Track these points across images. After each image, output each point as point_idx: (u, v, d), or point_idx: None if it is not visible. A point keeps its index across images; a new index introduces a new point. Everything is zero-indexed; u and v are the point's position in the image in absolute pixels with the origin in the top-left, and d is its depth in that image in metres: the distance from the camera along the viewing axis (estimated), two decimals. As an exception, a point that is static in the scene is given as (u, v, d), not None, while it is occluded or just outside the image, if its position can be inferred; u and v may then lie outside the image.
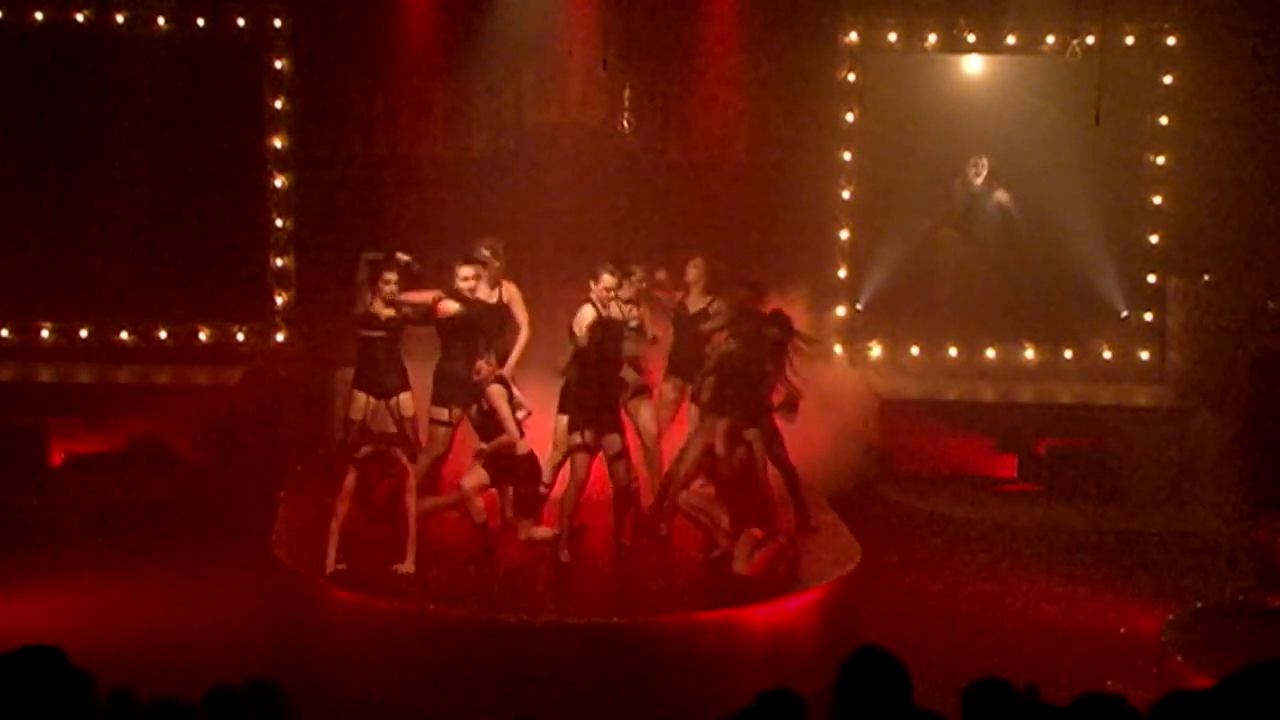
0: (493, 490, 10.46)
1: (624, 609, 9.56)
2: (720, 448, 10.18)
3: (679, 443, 10.94)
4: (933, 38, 14.29)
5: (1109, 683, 8.84)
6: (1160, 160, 14.28)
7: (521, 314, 10.91)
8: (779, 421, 10.62)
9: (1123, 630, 10.55)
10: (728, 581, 9.75)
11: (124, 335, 14.20)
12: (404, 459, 9.98)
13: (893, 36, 14.29)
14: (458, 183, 13.99)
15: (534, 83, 14.27)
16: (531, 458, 10.47)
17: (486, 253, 10.96)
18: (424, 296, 10.93)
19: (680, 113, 14.39)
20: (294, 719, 5.67)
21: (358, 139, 14.28)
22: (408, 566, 9.75)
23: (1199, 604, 10.40)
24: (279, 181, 14.15)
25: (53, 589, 10.72)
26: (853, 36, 14.26)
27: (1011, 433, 13.69)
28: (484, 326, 10.72)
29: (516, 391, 10.52)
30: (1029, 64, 14.33)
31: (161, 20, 13.98)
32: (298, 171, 14.17)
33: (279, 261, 14.20)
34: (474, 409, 10.48)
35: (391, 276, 10.89)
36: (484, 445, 10.31)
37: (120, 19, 13.95)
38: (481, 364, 10.30)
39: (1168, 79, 14.22)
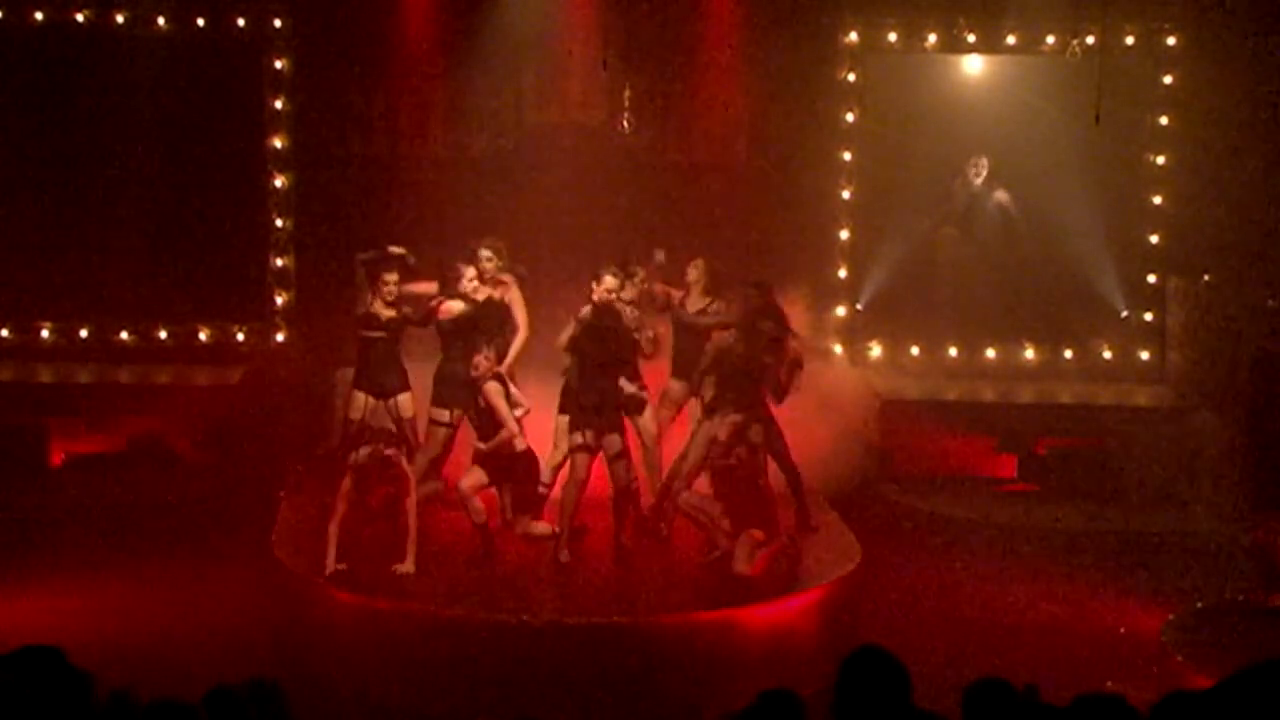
0: (492, 490, 10.46)
1: (624, 609, 9.56)
2: (723, 436, 10.18)
3: (679, 443, 10.94)
4: (933, 38, 14.29)
5: (1109, 683, 8.83)
6: (1160, 160, 14.28)
7: (521, 314, 10.92)
8: (780, 407, 10.60)
9: (1123, 630, 10.55)
10: (728, 581, 9.75)
11: (124, 335, 14.20)
12: (404, 463, 9.97)
13: (893, 36, 14.29)
14: (458, 183, 13.98)
15: (534, 83, 14.27)
16: (530, 455, 10.48)
17: (487, 253, 10.97)
18: (425, 288, 10.95)
19: (680, 113, 14.40)
20: (294, 719, 5.67)
21: (358, 139, 14.28)
22: (408, 566, 9.75)
23: (1199, 604, 10.40)
24: (279, 181, 14.15)
25: (53, 589, 10.71)
26: (853, 36, 14.26)
27: (1011, 433, 13.69)
28: (485, 326, 10.73)
29: (514, 389, 10.52)
30: (1029, 64, 14.32)
31: (161, 20, 13.97)
32: (298, 171, 14.17)
33: (279, 261, 14.20)
34: (473, 409, 10.48)
35: (391, 277, 10.90)
36: (482, 445, 10.30)
37: (120, 19, 13.95)
38: (480, 359, 10.28)
39: (1168, 79, 14.21)
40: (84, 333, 14.17)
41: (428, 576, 9.74)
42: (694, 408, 11.09)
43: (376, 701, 9.26)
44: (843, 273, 14.42)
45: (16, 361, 13.94)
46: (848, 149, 14.32)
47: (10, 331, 14.16)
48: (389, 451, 9.87)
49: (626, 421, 10.67)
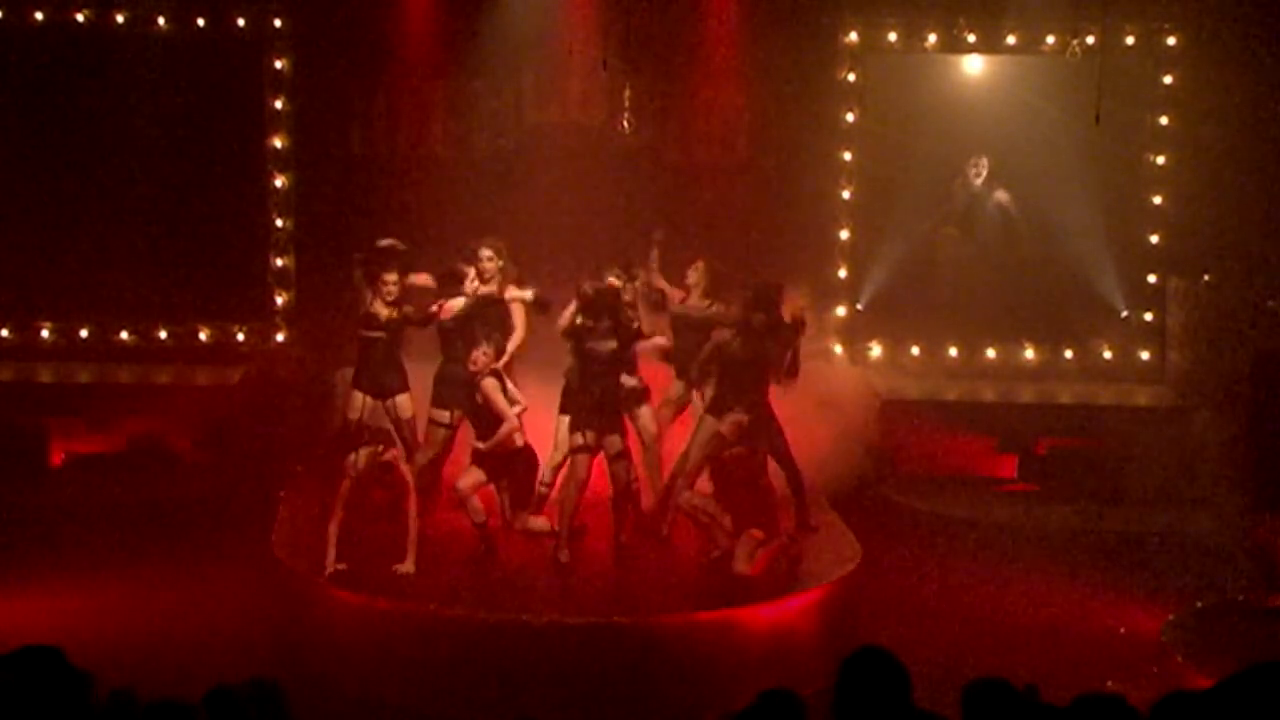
0: (491, 490, 10.45)
1: (624, 609, 9.56)
2: (728, 435, 10.17)
3: (679, 443, 10.94)
4: (933, 38, 14.29)
5: (1109, 683, 8.83)
6: (1160, 160, 14.28)
7: (519, 316, 10.91)
8: (780, 407, 10.61)
9: (1123, 630, 10.55)
10: (728, 581, 9.75)
11: (124, 335, 14.20)
12: (403, 466, 9.96)
13: (893, 36, 14.29)
14: (458, 183, 13.98)
15: (534, 83, 14.27)
16: (528, 450, 10.47)
17: (488, 252, 10.97)
18: (423, 280, 10.97)
19: (680, 113, 14.39)
20: (294, 719, 5.67)
21: (358, 139, 14.29)
22: (408, 566, 9.75)
23: (1199, 604, 10.40)
24: (279, 181, 14.15)
25: (53, 589, 10.71)
26: (853, 36, 14.26)
27: (1011, 433, 13.69)
28: (485, 322, 10.72)
29: (511, 386, 10.50)
30: (1029, 64, 14.32)
31: (161, 20, 13.98)
32: (298, 171, 14.17)
33: (279, 261, 14.21)
34: (471, 407, 10.47)
35: (391, 277, 10.90)
36: (480, 444, 10.28)
37: (120, 19, 13.95)
38: (478, 354, 10.25)
39: (1168, 79, 14.21)
40: (84, 333, 14.18)
41: (428, 576, 9.74)
42: (696, 406, 11.09)
43: (376, 701, 9.26)
44: (843, 273, 14.43)
45: (16, 361, 13.94)
46: (848, 149, 14.32)
47: (10, 331, 14.16)
48: (388, 456, 9.87)
49: (627, 421, 10.68)
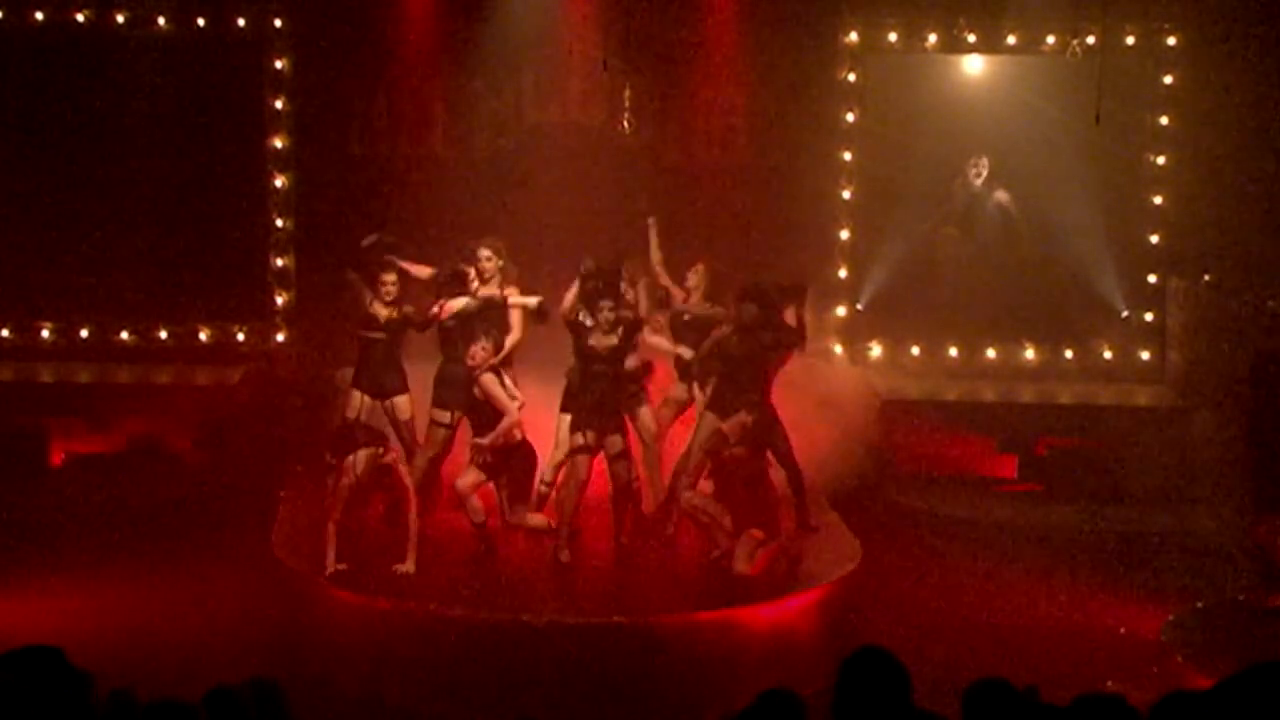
0: (491, 490, 10.45)
1: (624, 609, 9.56)
2: (727, 430, 10.17)
3: (680, 443, 10.94)
4: (933, 38, 14.29)
5: (1109, 683, 8.84)
6: (1160, 160, 14.27)
7: (517, 317, 10.90)
8: (780, 407, 10.61)
9: (1123, 630, 10.55)
10: (728, 581, 9.75)
11: (124, 335, 14.20)
12: (401, 470, 9.95)
13: (893, 36, 14.29)
14: (458, 183, 13.98)
15: (534, 83, 14.26)
16: (527, 446, 10.46)
17: (486, 252, 10.97)
18: (422, 271, 10.98)
19: (680, 113, 14.39)
20: (294, 719, 5.67)
21: (358, 139, 14.27)
22: (408, 566, 9.75)
23: (1199, 604, 10.40)
24: (279, 181, 14.15)
25: (53, 589, 10.71)
26: (853, 36, 14.26)
27: (1011, 433, 13.69)
28: (485, 320, 10.73)
29: (509, 381, 10.49)
30: (1029, 64, 14.32)
31: (161, 20, 13.97)
32: (298, 171, 14.17)
33: (279, 261, 14.20)
34: (471, 405, 10.45)
35: (389, 278, 10.90)
36: (480, 441, 10.26)
37: (120, 19, 13.95)
38: (476, 349, 10.23)
39: (1168, 79, 14.21)
40: (84, 333, 14.17)
41: (428, 576, 9.74)
42: (698, 404, 11.08)
43: (376, 701, 9.26)
44: (843, 273, 14.42)
45: (16, 361, 13.94)
46: (848, 149, 14.31)
47: (10, 331, 14.16)
48: (387, 459, 9.86)
49: (627, 421, 10.68)
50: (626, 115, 14.15)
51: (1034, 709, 5.11)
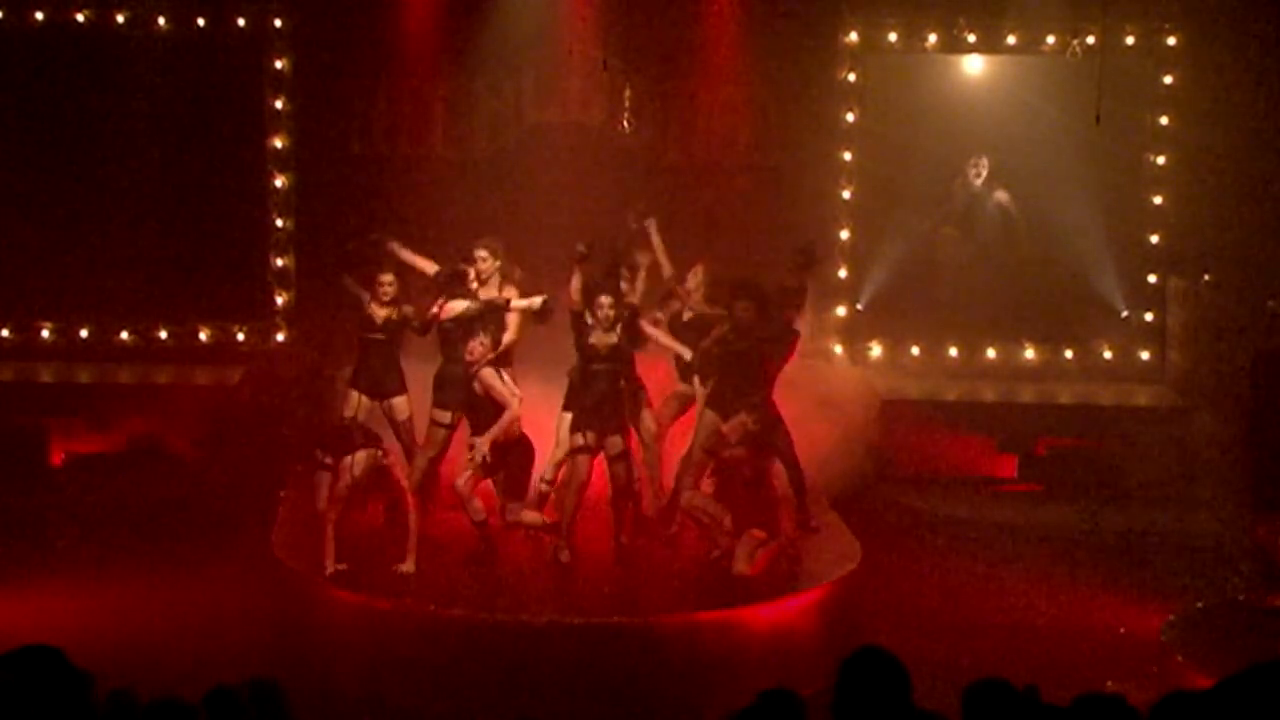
0: (491, 490, 10.43)
1: (624, 609, 9.56)
2: (727, 431, 10.16)
3: (680, 443, 10.94)
4: (933, 38, 14.29)
5: (1109, 683, 8.84)
6: (1160, 160, 14.28)
7: (513, 318, 10.89)
8: (781, 407, 10.60)
9: (1123, 630, 10.55)
10: (728, 581, 9.75)
11: (124, 335, 14.20)
12: (398, 472, 9.94)
13: (893, 36, 14.29)
14: (458, 183, 13.99)
15: (534, 83, 14.27)
16: (525, 441, 10.44)
17: (483, 253, 10.96)
18: (424, 264, 10.96)
19: (680, 113, 14.39)
20: (294, 719, 5.67)
21: (358, 139, 14.28)
22: (408, 566, 9.75)
23: (1199, 604, 10.39)
24: (279, 181, 14.15)
25: (53, 589, 10.71)
26: (853, 36, 14.26)
27: (1011, 433, 13.69)
28: (483, 321, 10.72)
29: (508, 378, 10.47)
30: (1029, 64, 14.32)
31: (161, 20, 13.98)
32: (298, 171, 14.17)
33: (279, 261, 14.21)
34: (469, 402, 10.43)
35: (386, 278, 10.88)
36: (479, 438, 10.22)
37: (120, 19, 13.96)
38: (474, 344, 10.20)
39: (1168, 79, 14.21)
40: (84, 333, 14.18)
41: (428, 576, 9.74)
42: (700, 401, 11.07)
43: (376, 701, 9.26)
44: (843, 273, 14.42)
45: (16, 361, 13.94)
46: (848, 149, 14.31)
47: (10, 331, 14.16)
48: (385, 461, 9.86)
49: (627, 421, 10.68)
50: (626, 115, 14.15)
51: (1034, 709, 5.11)
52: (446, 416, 10.82)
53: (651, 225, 11.38)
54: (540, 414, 10.72)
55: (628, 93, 14.15)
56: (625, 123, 14.17)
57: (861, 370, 14.17)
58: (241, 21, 14.05)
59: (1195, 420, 13.26)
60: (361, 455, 9.78)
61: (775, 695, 4.83)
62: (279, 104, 14.11)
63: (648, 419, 11.12)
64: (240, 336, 14.25)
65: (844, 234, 14.38)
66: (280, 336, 14.20)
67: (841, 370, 13.97)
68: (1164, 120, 14.24)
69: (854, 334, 14.44)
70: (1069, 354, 14.49)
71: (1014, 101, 14.24)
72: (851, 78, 14.27)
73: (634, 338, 10.59)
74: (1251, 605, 10.15)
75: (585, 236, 10.94)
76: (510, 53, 13.97)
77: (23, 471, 12.76)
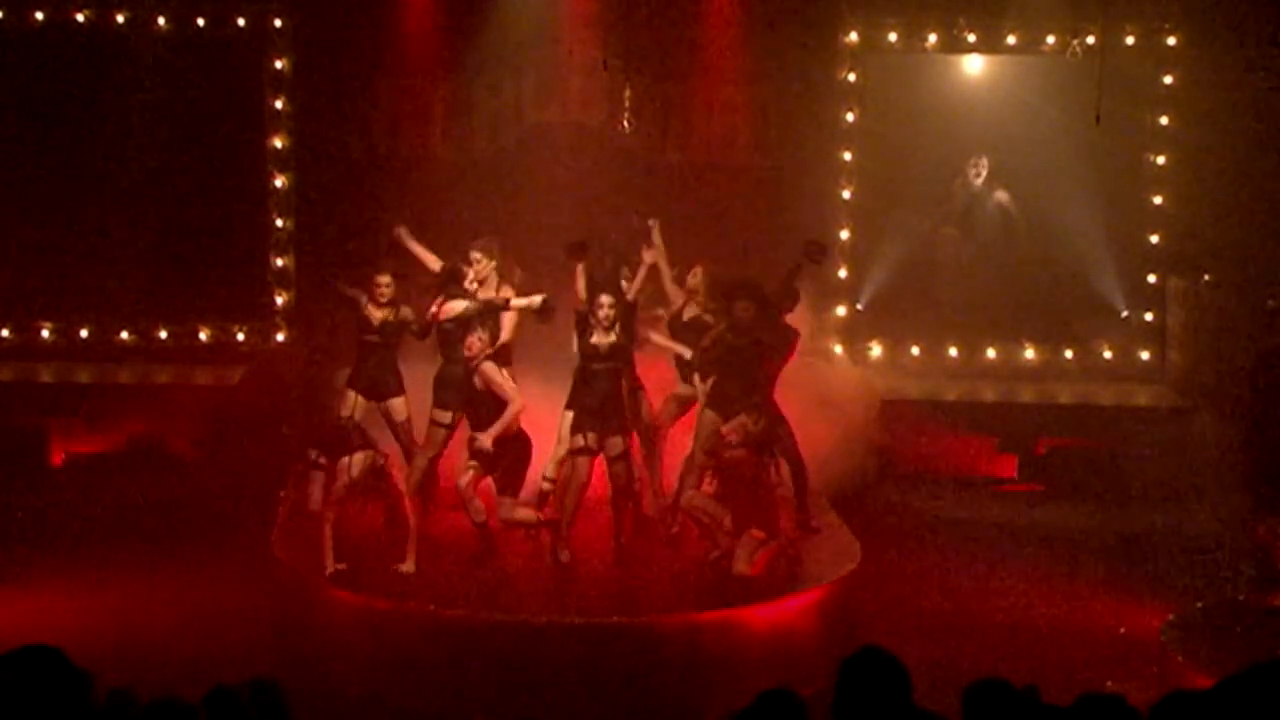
0: (491, 489, 10.42)
1: (624, 609, 9.56)
2: (732, 437, 10.16)
3: (680, 443, 10.94)
4: (933, 38, 14.30)
5: (1109, 683, 8.83)
6: (1160, 160, 14.29)
7: (509, 317, 10.88)
8: (782, 407, 10.61)
9: (1123, 630, 10.55)
10: (728, 581, 9.74)
11: (124, 335, 14.21)
12: (396, 474, 9.93)
13: (893, 36, 14.30)
14: (458, 183, 14.00)
15: (534, 83, 14.28)
16: (523, 437, 10.42)
17: (478, 254, 10.94)
18: (429, 258, 10.95)
19: (680, 113, 14.40)
20: (294, 719, 5.67)
21: (358, 139, 14.29)
22: (408, 566, 9.74)
23: (1199, 604, 10.39)
24: (279, 181, 14.17)
25: (53, 589, 10.71)
26: (853, 36, 14.28)
27: (1011, 433, 13.69)
28: (484, 321, 10.72)
29: (505, 374, 10.44)
30: (1029, 64, 14.34)
31: (161, 20, 14.00)
32: (298, 171, 14.18)
33: (279, 261, 14.22)
34: (468, 399, 10.41)
35: (383, 279, 10.86)
36: (479, 435, 10.20)
37: (120, 19, 13.97)
38: (473, 340, 10.16)
39: (1168, 79, 14.23)
40: (84, 333, 14.19)
41: (428, 576, 9.74)
42: (701, 401, 11.06)
43: (376, 701, 9.25)
44: (843, 273, 14.43)
45: (16, 361, 13.95)
46: (848, 149, 14.33)
47: (10, 331, 14.17)
48: (383, 463, 9.85)
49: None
50: (626, 115, 14.16)
51: (1034, 709, 5.11)
52: (447, 417, 10.81)
53: (655, 226, 11.37)
54: (540, 412, 10.71)
55: (628, 93, 14.15)
56: (625, 123, 14.18)
57: (861, 370, 14.17)
58: (241, 21, 14.06)
59: (1195, 420, 13.26)
60: (359, 456, 9.77)
61: (775, 695, 4.82)
62: (279, 104, 14.12)
63: (647, 419, 11.11)
64: (240, 336, 14.26)
65: (844, 234, 14.40)
66: (280, 336, 14.21)
67: (841, 370, 13.97)
68: (1164, 120, 14.26)
69: (854, 334, 14.45)
70: (1069, 354, 14.50)
71: (1014, 101, 14.25)
72: (851, 78, 14.29)
73: (633, 337, 10.60)
74: (1251, 605, 10.14)
75: (586, 239, 10.96)
76: (510, 53, 13.98)
77: (23, 471, 12.77)
